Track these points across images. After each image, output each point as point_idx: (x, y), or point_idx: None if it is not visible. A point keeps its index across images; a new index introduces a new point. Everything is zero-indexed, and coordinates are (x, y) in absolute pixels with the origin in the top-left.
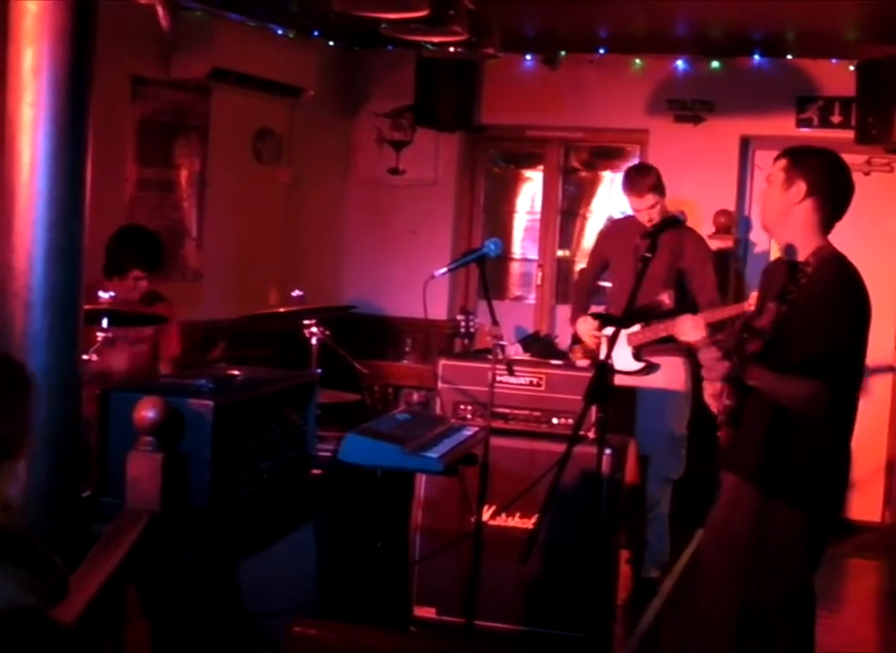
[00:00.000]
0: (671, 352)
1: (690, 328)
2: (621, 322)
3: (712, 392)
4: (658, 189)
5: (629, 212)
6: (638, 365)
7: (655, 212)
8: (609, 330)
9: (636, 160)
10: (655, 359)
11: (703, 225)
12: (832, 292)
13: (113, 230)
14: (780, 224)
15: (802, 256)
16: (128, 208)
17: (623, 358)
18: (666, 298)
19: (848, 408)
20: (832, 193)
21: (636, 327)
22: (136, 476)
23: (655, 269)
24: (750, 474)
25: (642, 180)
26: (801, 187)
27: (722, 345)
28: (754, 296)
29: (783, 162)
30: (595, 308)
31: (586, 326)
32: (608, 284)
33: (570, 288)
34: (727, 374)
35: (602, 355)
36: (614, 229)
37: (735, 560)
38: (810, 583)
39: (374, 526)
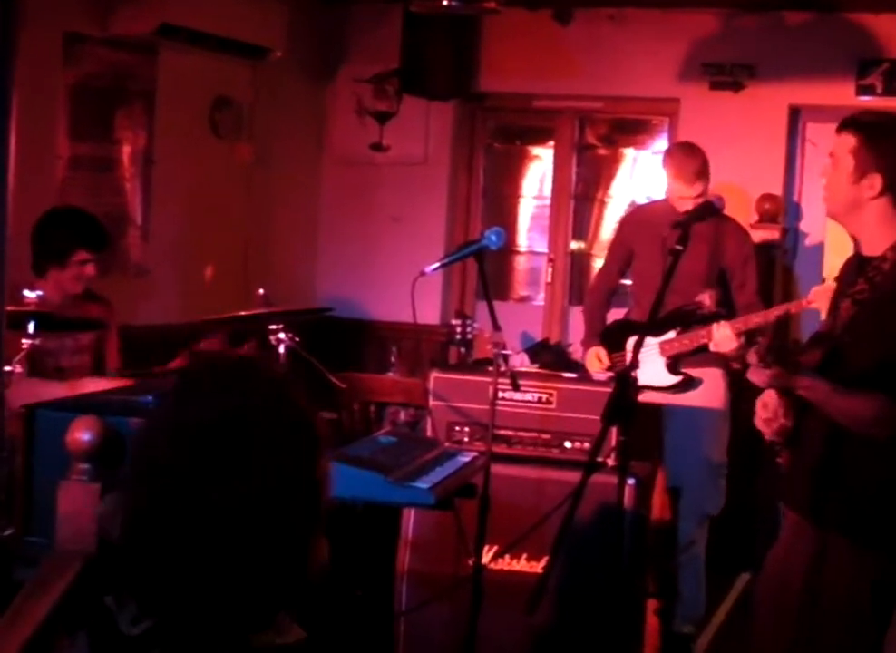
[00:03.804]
0: (707, 363)
1: (723, 337)
2: (649, 328)
3: (764, 416)
4: (707, 173)
5: (655, 197)
6: (674, 379)
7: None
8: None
9: (664, 135)
10: (693, 372)
11: (744, 212)
12: None
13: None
14: (850, 217)
15: (877, 249)
16: (59, 191)
17: (655, 371)
18: (706, 299)
19: None
20: None
21: (670, 334)
22: (68, 511)
23: (692, 266)
24: (804, 507)
25: (692, 162)
26: (875, 181)
27: (760, 348)
28: (815, 291)
29: (851, 141)
30: (615, 312)
31: (597, 365)
32: (628, 281)
33: (585, 296)
34: (772, 381)
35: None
36: (639, 216)
37: (789, 612)
38: (878, 644)
39: (354, 570)
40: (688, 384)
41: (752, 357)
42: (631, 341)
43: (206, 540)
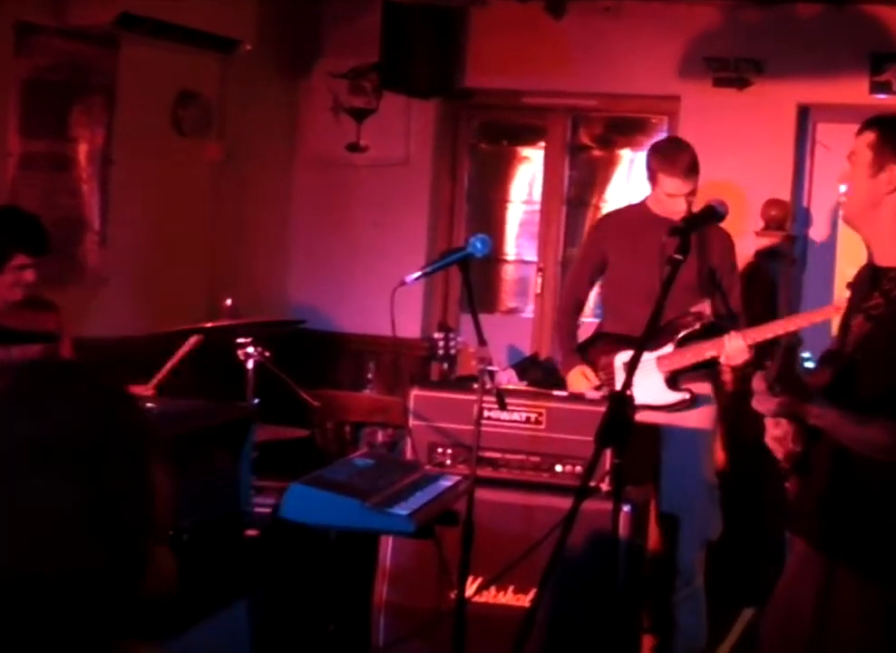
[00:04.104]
0: (697, 379)
1: (736, 349)
2: (645, 341)
3: (775, 434)
4: (699, 169)
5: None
6: (676, 397)
7: (694, 200)
8: (625, 356)
9: (663, 135)
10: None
11: (749, 218)
12: None
13: None
14: (867, 218)
15: (893, 259)
16: (9, 192)
17: (651, 388)
18: (706, 309)
19: None
20: None
21: (667, 348)
22: None
23: (683, 275)
24: (811, 536)
25: (684, 156)
26: (894, 172)
27: (768, 375)
28: (841, 301)
29: (869, 136)
30: (587, 322)
31: (584, 385)
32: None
33: (556, 312)
34: (780, 409)
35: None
36: (614, 221)
37: (797, 643)
38: None
39: (327, 603)
40: (693, 402)
41: (759, 384)
42: (621, 356)
43: (20, 560)
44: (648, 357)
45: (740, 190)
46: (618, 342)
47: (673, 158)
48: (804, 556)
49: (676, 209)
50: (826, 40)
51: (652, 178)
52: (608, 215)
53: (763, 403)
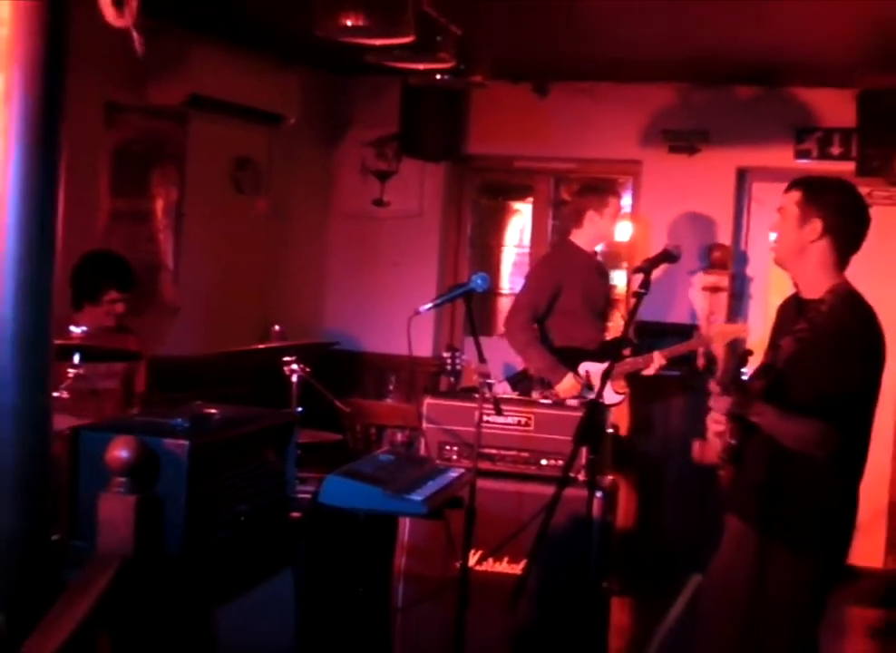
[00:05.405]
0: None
1: (660, 364)
2: (602, 356)
3: (718, 429)
4: None
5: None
6: (619, 397)
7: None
8: (587, 366)
9: (629, 193)
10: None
11: (697, 260)
12: (847, 330)
13: None
14: (794, 261)
15: (817, 293)
16: (102, 239)
17: (605, 391)
18: (630, 331)
19: (856, 451)
20: (849, 230)
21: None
22: (108, 519)
23: (599, 301)
24: (750, 518)
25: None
26: (816, 225)
27: (721, 379)
28: (715, 332)
29: (796, 195)
30: None
31: (575, 388)
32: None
33: (518, 333)
34: (732, 408)
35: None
36: (560, 260)
37: (735, 610)
38: (814, 637)
39: (356, 571)
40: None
41: (713, 387)
42: (583, 366)
43: None
44: (599, 367)
45: (691, 236)
46: (574, 355)
47: (605, 188)
48: (740, 532)
49: (616, 229)
50: (760, 116)
51: (601, 208)
52: (554, 255)
53: (718, 402)
